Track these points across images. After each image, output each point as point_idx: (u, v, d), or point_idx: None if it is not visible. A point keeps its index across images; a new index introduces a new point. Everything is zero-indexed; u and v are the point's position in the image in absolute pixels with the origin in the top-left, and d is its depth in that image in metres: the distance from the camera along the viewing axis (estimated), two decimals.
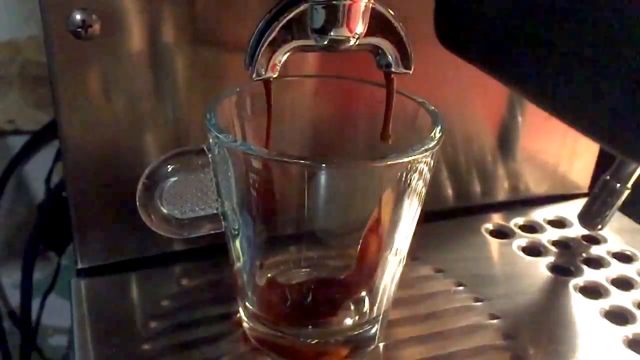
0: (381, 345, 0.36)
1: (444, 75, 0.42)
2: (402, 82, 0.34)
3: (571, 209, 0.50)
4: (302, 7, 0.30)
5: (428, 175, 0.31)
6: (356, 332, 0.34)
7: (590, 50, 0.25)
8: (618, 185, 0.43)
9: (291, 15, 0.30)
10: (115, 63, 0.36)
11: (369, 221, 0.32)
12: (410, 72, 0.33)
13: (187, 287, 0.40)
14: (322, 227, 0.33)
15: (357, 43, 0.31)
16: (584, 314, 0.39)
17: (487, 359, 0.36)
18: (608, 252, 0.46)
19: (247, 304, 0.35)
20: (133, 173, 0.33)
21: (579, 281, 0.42)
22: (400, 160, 0.29)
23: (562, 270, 0.43)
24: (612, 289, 0.42)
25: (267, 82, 0.32)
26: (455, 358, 0.35)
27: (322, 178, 0.30)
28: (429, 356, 0.35)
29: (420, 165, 0.30)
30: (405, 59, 0.33)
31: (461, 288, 0.41)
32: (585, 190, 0.52)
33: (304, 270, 0.36)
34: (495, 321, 0.38)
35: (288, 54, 0.32)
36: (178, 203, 0.35)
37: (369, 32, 0.31)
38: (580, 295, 0.41)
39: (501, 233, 0.47)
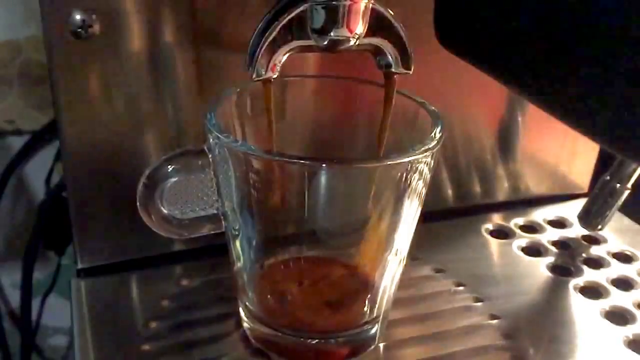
0: (381, 345, 0.36)
1: (444, 75, 0.42)
2: (402, 82, 0.34)
3: (571, 209, 0.50)
4: (302, 8, 0.30)
5: (428, 175, 0.31)
6: (356, 332, 0.34)
7: (590, 50, 0.25)
8: (618, 185, 0.43)
9: (291, 16, 0.30)
10: (115, 63, 0.36)
11: None
12: (410, 72, 0.33)
13: (187, 287, 0.40)
14: (322, 227, 0.33)
15: (357, 43, 0.31)
16: (584, 314, 0.39)
17: (487, 359, 0.36)
18: (608, 252, 0.46)
19: (247, 304, 0.35)
20: (133, 173, 0.33)
21: (579, 281, 0.42)
22: (400, 160, 0.29)
23: (562, 270, 0.43)
24: (612, 289, 0.42)
25: (267, 82, 0.32)
26: (455, 358, 0.35)
27: (322, 178, 0.30)
28: (429, 356, 0.35)
29: (421, 166, 0.30)
30: (405, 59, 0.33)
31: (461, 288, 0.41)
32: (585, 190, 0.52)
33: (304, 270, 0.36)
34: (495, 321, 0.38)
35: (288, 54, 0.32)
36: (178, 203, 0.35)
37: (369, 33, 0.31)
38: (580, 295, 0.41)
39: (501, 233, 0.47)
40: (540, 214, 0.50)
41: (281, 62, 0.32)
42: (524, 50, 0.29)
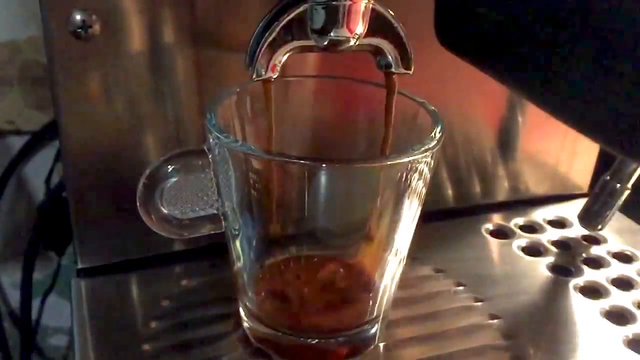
0: (381, 345, 0.36)
1: (444, 75, 0.42)
2: (402, 82, 0.34)
3: (571, 209, 0.50)
4: (302, 8, 0.30)
5: (428, 175, 0.31)
6: (356, 332, 0.34)
7: (590, 50, 0.25)
8: (618, 185, 0.43)
9: (291, 16, 0.30)
10: (115, 63, 0.36)
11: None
12: (411, 72, 0.33)
13: (187, 287, 0.40)
14: (322, 227, 0.33)
15: (357, 43, 0.31)
16: (584, 314, 0.39)
17: (487, 359, 0.36)
18: (608, 252, 0.46)
19: (247, 304, 0.35)
20: (133, 173, 0.33)
21: (579, 281, 0.42)
22: (400, 160, 0.29)
23: (562, 270, 0.43)
24: (612, 289, 0.42)
25: (267, 82, 0.32)
26: (455, 358, 0.35)
27: (322, 178, 0.30)
28: (429, 356, 0.35)
29: (421, 165, 0.30)
30: (405, 60, 0.33)
31: (461, 288, 0.41)
32: (585, 190, 0.52)
33: (304, 270, 0.36)
34: (495, 321, 0.38)
35: (288, 54, 0.32)
36: (178, 203, 0.35)
37: (369, 33, 0.31)
38: (580, 295, 0.41)
39: (501, 233, 0.47)
40: (540, 214, 0.50)
41: (281, 62, 0.32)
42: (524, 50, 0.29)
